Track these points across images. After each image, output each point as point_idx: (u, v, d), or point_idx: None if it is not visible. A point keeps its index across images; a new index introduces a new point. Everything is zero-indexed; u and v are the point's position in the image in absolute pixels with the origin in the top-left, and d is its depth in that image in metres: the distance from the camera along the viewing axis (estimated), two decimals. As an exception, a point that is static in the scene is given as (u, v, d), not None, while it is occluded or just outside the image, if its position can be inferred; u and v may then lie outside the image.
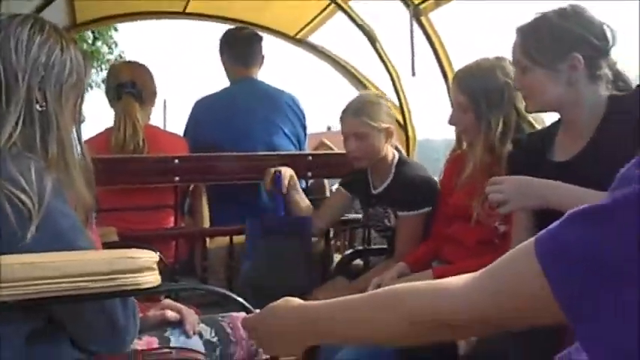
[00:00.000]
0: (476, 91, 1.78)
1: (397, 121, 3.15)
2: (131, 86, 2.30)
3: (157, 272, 1.03)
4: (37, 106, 1.09)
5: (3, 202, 0.96)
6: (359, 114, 2.07)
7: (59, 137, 1.11)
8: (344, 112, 2.12)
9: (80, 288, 0.94)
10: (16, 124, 1.06)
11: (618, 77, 1.42)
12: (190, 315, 1.35)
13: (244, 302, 1.16)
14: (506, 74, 1.75)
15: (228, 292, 1.21)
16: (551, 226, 0.59)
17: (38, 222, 0.97)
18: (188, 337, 1.31)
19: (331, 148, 5.73)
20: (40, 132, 1.09)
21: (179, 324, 1.33)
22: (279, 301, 0.94)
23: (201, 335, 1.33)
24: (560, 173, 1.36)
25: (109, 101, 2.36)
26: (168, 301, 1.41)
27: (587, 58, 1.37)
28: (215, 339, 1.34)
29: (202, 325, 1.36)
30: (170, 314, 1.34)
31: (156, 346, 1.26)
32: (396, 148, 2.21)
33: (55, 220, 1.01)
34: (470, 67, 1.87)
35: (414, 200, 2.06)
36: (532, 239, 0.61)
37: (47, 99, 1.10)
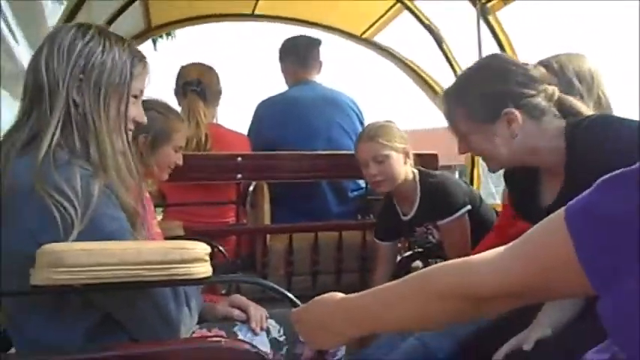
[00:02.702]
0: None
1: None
2: (196, 85, 2.41)
3: (208, 263, 1.07)
4: (76, 110, 1.11)
5: (50, 209, 1.01)
6: (374, 138, 2.05)
7: (97, 141, 1.12)
8: (358, 139, 2.12)
9: (136, 275, 0.99)
10: (57, 128, 1.09)
11: (563, 104, 1.36)
12: (257, 312, 1.38)
13: (293, 297, 1.18)
14: (584, 65, 1.68)
15: (279, 288, 1.23)
16: (581, 194, 0.60)
17: (85, 226, 1.02)
18: (255, 334, 1.34)
19: None
20: (80, 135, 1.11)
21: (248, 320, 1.37)
22: (323, 295, 0.97)
23: (268, 332, 1.37)
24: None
25: (177, 100, 2.47)
26: (238, 297, 1.44)
27: (521, 107, 1.32)
28: (282, 338, 1.37)
29: (271, 322, 1.39)
30: (236, 314, 1.37)
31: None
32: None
33: (102, 224, 1.05)
34: (542, 61, 1.81)
35: (449, 205, 2.03)
36: (563, 207, 0.61)
37: (85, 102, 1.12)
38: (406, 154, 2.07)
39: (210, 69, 2.55)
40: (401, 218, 2.15)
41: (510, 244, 0.70)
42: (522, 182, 1.50)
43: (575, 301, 1.37)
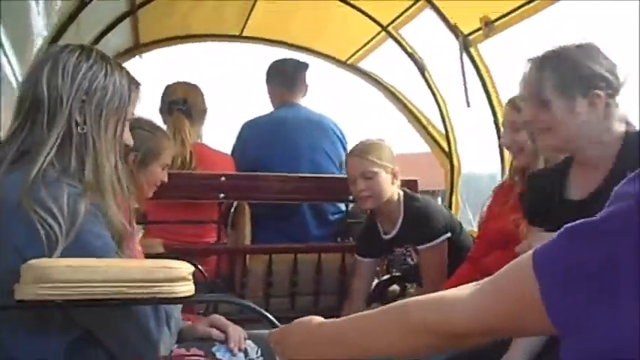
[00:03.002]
0: None
1: (442, 149, 3.16)
2: (182, 103, 2.43)
3: (191, 283, 1.08)
4: (77, 129, 1.14)
5: (35, 225, 1.03)
6: (365, 155, 2.11)
7: (94, 161, 1.15)
8: (349, 155, 2.17)
9: (120, 293, 1.01)
10: (54, 146, 1.11)
11: (623, 116, 1.42)
12: (236, 332, 1.39)
13: (272, 318, 1.20)
14: None
15: (259, 308, 1.25)
16: (549, 240, 0.62)
17: (70, 243, 1.04)
18: (233, 354, 1.35)
19: None
20: (77, 155, 1.14)
21: (226, 340, 1.37)
22: (302, 318, 0.98)
23: (246, 353, 1.38)
24: (578, 211, 1.35)
25: (162, 118, 2.49)
26: (217, 317, 1.45)
27: (607, 96, 1.38)
28: (260, 359, 1.38)
29: (249, 343, 1.40)
30: (215, 334, 1.38)
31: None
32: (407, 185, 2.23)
33: (87, 242, 1.07)
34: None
35: (431, 231, 2.07)
36: (531, 251, 0.64)
37: (87, 122, 1.15)
38: (394, 175, 2.12)
39: (195, 88, 2.57)
40: (382, 236, 2.19)
41: (483, 281, 0.72)
42: (550, 178, 1.54)
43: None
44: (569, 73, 1.39)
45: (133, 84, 1.25)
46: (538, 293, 0.60)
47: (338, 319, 0.92)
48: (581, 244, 0.58)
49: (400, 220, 2.13)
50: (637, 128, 1.43)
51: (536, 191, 1.57)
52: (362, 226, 2.33)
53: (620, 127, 1.40)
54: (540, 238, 1.33)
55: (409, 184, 2.55)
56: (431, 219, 2.08)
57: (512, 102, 1.90)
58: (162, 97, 2.51)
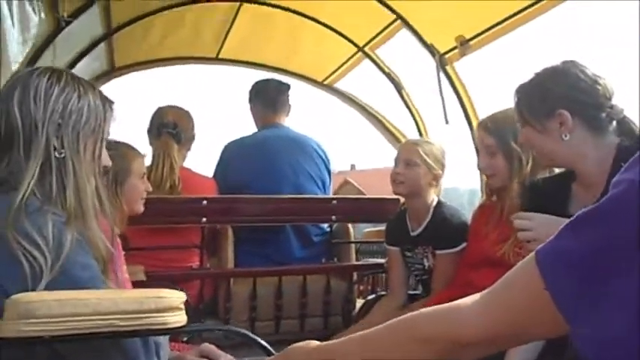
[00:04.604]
0: (503, 132, 1.83)
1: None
2: (172, 127, 2.41)
3: (183, 312, 1.05)
4: (55, 153, 1.11)
5: (19, 258, 0.99)
6: (417, 145, 2.21)
7: (76, 185, 1.11)
8: (407, 140, 2.34)
9: (110, 325, 0.97)
10: (34, 173, 1.08)
11: (624, 125, 1.44)
12: None
13: (267, 345, 1.17)
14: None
15: (252, 335, 1.22)
16: (551, 237, 0.63)
17: (56, 276, 1.00)
18: None
19: (355, 186, 5.79)
20: (58, 180, 1.10)
21: None
22: (298, 344, 0.96)
23: None
24: None
25: (149, 139, 2.46)
26: (208, 346, 1.41)
27: (578, 113, 1.41)
28: None
29: None
30: None
31: None
32: None
33: (74, 273, 1.03)
34: (495, 114, 1.91)
35: (452, 237, 2.10)
36: (534, 251, 0.64)
37: (64, 146, 1.12)
38: (435, 177, 2.17)
39: (186, 113, 2.56)
40: (409, 231, 2.24)
41: (488, 289, 0.72)
42: (552, 190, 1.57)
43: (535, 346, 1.43)
44: (536, 97, 1.46)
45: (107, 103, 1.23)
46: (544, 290, 0.60)
47: (337, 341, 0.90)
48: (581, 234, 0.59)
49: (426, 221, 2.18)
50: (637, 133, 1.44)
51: (538, 201, 1.58)
52: (394, 217, 2.37)
53: (612, 141, 1.42)
54: (543, 220, 1.35)
55: (392, 202, 2.56)
56: (454, 227, 2.12)
57: (483, 124, 1.92)
58: (151, 119, 2.49)
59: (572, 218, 0.61)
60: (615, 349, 0.56)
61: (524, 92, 1.50)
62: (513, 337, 0.72)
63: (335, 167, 2.87)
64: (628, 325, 0.54)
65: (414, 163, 2.16)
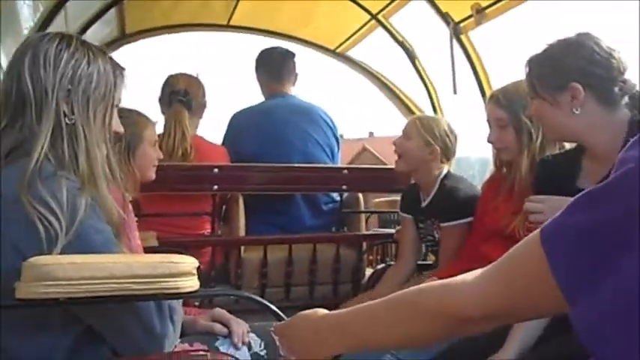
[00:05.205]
0: (515, 105, 1.80)
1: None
2: (183, 95, 2.40)
3: (195, 277, 1.07)
4: (66, 120, 1.11)
5: (35, 222, 1.00)
6: (417, 119, 2.25)
7: (87, 150, 1.12)
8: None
9: (125, 289, 0.99)
10: (46, 139, 1.08)
11: (636, 100, 1.42)
12: (239, 327, 1.37)
13: (278, 311, 1.19)
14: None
15: (263, 301, 1.24)
16: (555, 215, 0.63)
17: (71, 239, 1.01)
18: (237, 348, 1.34)
19: (373, 153, 5.79)
20: (69, 146, 1.11)
21: (229, 334, 1.36)
22: (308, 311, 0.98)
23: (250, 347, 1.36)
24: None
25: (161, 107, 2.46)
26: (219, 311, 1.43)
27: (590, 86, 1.39)
28: (263, 352, 1.36)
29: (252, 336, 1.38)
30: (218, 328, 1.36)
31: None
32: None
33: (88, 237, 1.05)
34: (506, 86, 1.88)
35: (454, 210, 2.09)
36: (539, 229, 0.64)
37: (74, 112, 1.12)
38: (432, 153, 2.15)
39: (197, 81, 2.55)
40: (420, 202, 2.25)
41: (493, 264, 0.72)
42: (562, 164, 1.56)
43: (539, 324, 1.44)
44: (547, 71, 1.45)
45: (118, 69, 1.22)
46: (547, 267, 0.60)
47: (344, 310, 0.91)
48: (586, 211, 0.59)
49: (433, 193, 2.19)
50: None
51: (547, 177, 1.58)
52: (407, 187, 2.38)
53: (624, 115, 1.40)
54: (554, 202, 1.34)
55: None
56: (460, 200, 2.10)
57: (495, 97, 1.89)
58: (162, 87, 2.48)
59: (577, 195, 0.61)
60: (613, 328, 0.55)
61: (537, 64, 1.48)
62: (513, 313, 0.72)
63: (353, 135, 2.85)
64: (627, 304, 0.54)
65: (408, 137, 2.17)
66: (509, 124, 1.82)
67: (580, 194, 0.60)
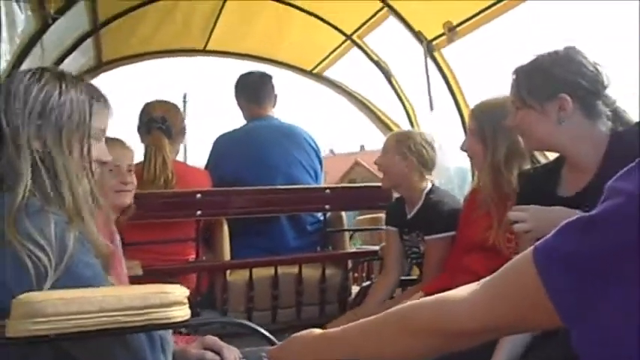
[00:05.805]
0: (484, 118, 1.87)
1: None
2: (161, 122, 2.40)
3: (187, 307, 1.06)
4: (40, 154, 1.10)
5: (23, 259, 0.99)
6: (394, 134, 2.34)
7: (70, 184, 1.11)
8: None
9: (115, 322, 0.98)
10: (28, 175, 1.07)
11: (617, 115, 1.46)
12: (230, 353, 1.37)
13: (270, 335, 1.19)
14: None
15: (257, 327, 1.24)
16: (547, 236, 0.65)
17: (60, 275, 1.00)
18: None
19: (366, 167, 5.81)
20: (50, 179, 1.10)
21: None
22: (301, 332, 0.99)
23: None
24: (567, 207, 1.40)
25: (140, 136, 2.45)
26: (211, 338, 1.42)
27: (578, 98, 1.43)
28: None
29: None
30: (210, 357, 1.36)
31: None
32: None
33: (78, 272, 1.04)
34: (484, 100, 1.96)
35: (440, 223, 2.13)
36: (531, 248, 0.66)
37: (47, 145, 1.11)
38: (408, 166, 2.19)
39: (174, 107, 2.56)
40: (406, 214, 2.28)
41: (484, 280, 0.75)
42: (542, 176, 1.59)
43: (525, 336, 1.46)
44: (537, 81, 1.47)
45: (95, 97, 1.20)
46: (541, 286, 0.62)
47: (340, 328, 0.92)
48: (580, 237, 0.60)
49: (418, 206, 2.22)
50: (631, 122, 1.46)
51: (529, 188, 1.61)
52: (393, 200, 2.44)
53: (606, 127, 1.45)
54: (537, 211, 1.37)
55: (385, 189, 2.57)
56: (443, 214, 2.14)
57: (472, 108, 2.01)
58: (140, 115, 2.48)
59: (571, 219, 0.62)
60: (611, 351, 0.58)
61: (525, 73, 1.50)
62: (507, 327, 0.75)
63: (344, 149, 2.88)
64: (625, 330, 0.56)
65: (386, 152, 2.23)
66: (477, 135, 1.89)
67: (575, 218, 0.62)
